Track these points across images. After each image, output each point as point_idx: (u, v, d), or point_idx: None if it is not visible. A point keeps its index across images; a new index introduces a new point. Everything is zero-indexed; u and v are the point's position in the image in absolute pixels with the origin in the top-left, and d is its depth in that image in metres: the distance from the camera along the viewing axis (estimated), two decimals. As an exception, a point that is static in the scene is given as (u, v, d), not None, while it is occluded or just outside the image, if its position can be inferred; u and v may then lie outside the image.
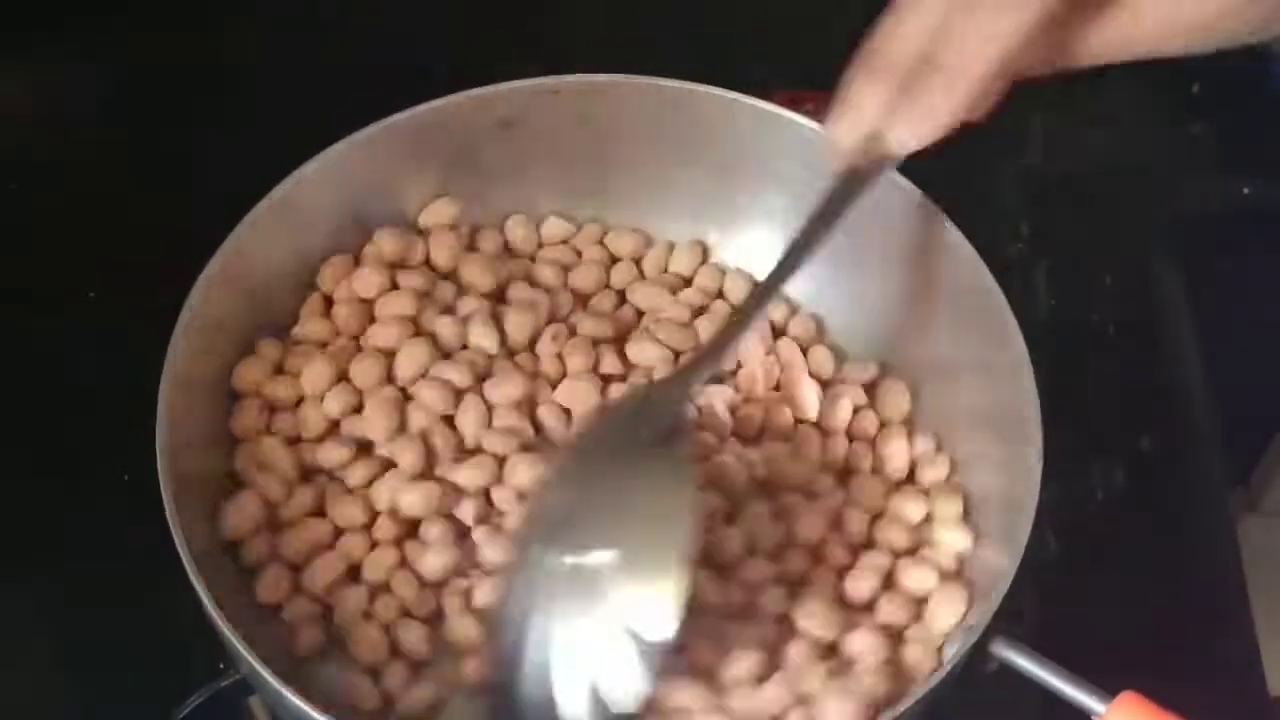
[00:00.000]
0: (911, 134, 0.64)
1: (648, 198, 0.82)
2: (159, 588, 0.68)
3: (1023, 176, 0.95)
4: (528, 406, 0.75)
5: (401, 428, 0.73)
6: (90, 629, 0.75)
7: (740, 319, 0.69)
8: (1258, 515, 1.07)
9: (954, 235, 0.74)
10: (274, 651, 0.67)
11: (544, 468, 0.70)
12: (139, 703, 0.71)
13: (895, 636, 0.69)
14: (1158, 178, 0.95)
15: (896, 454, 0.75)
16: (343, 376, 0.74)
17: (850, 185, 0.68)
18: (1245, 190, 0.94)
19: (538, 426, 0.74)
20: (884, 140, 0.65)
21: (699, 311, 0.80)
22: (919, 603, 0.70)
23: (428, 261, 0.78)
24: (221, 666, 0.69)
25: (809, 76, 0.91)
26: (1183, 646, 0.78)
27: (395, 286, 0.77)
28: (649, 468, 0.64)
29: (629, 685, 0.61)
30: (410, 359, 0.74)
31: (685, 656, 0.66)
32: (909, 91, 0.63)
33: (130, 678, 0.73)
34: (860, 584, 0.70)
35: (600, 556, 0.61)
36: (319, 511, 0.72)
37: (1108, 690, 0.64)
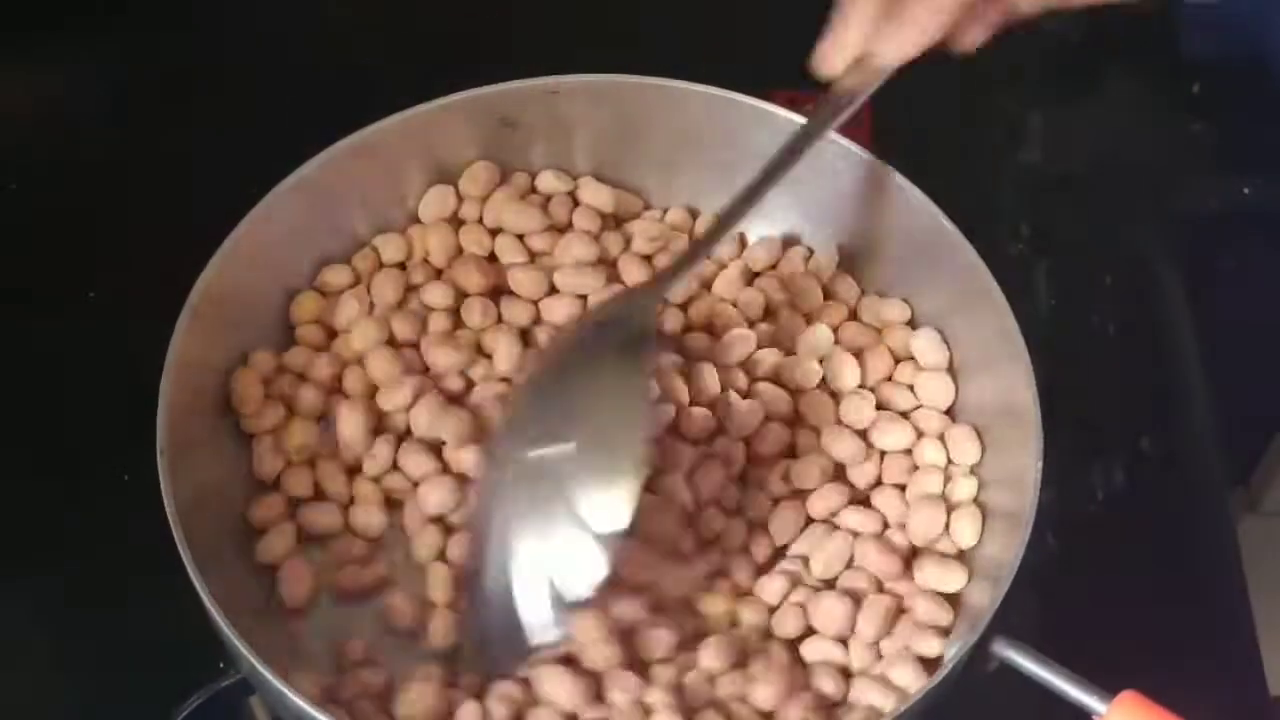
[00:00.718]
0: (897, 49, 0.70)
1: (647, 197, 0.82)
2: (159, 588, 0.68)
3: (1023, 176, 0.95)
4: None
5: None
6: (90, 629, 0.75)
7: (723, 223, 0.72)
8: (1258, 515, 1.07)
9: (953, 235, 0.74)
10: (274, 652, 0.67)
11: (520, 376, 0.73)
12: (139, 703, 0.71)
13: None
14: (1158, 178, 0.94)
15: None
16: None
17: (836, 106, 0.72)
18: (1245, 190, 0.94)
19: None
20: (871, 59, 0.71)
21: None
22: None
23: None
24: (221, 666, 0.69)
25: (809, 76, 0.91)
26: (1183, 646, 0.78)
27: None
28: (612, 372, 0.68)
29: (584, 575, 0.64)
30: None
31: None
32: (894, 9, 0.69)
33: (130, 678, 0.73)
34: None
35: (560, 450, 0.66)
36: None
37: (1108, 690, 0.64)
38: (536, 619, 0.66)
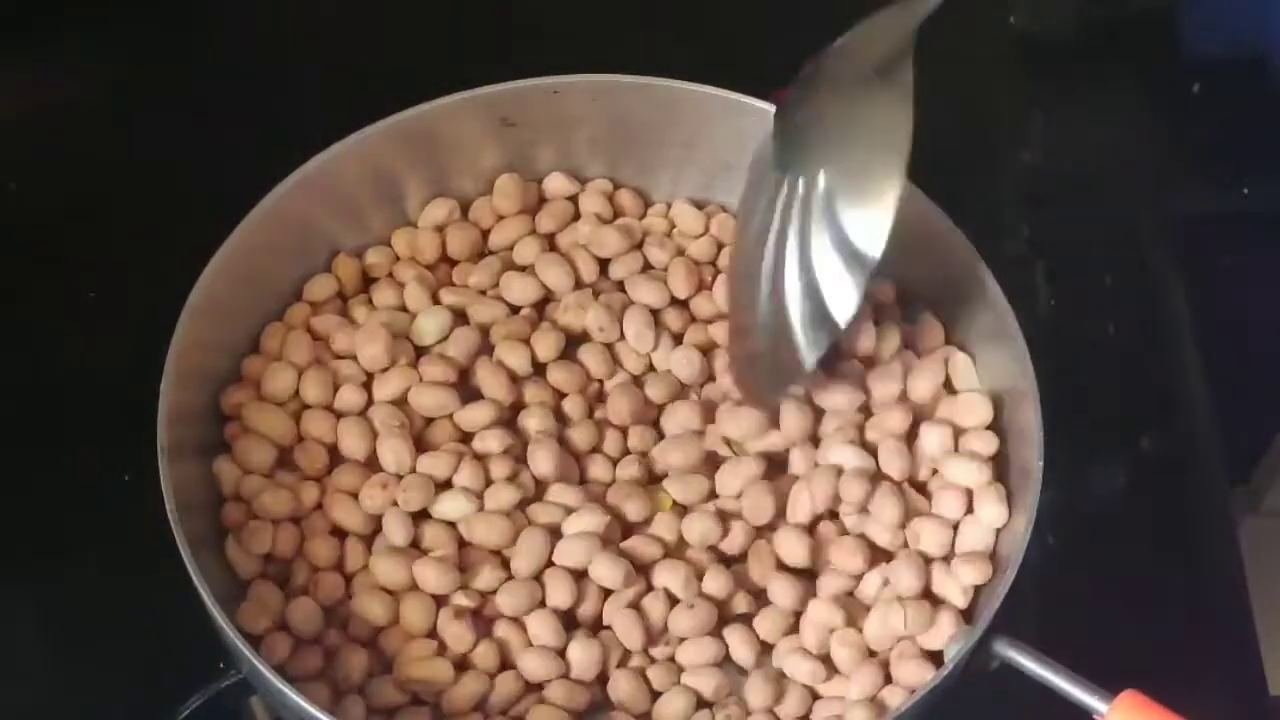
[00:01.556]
0: None
1: (647, 197, 0.82)
2: (159, 588, 0.68)
3: (1023, 176, 0.95)
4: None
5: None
6: (90, 629, 0.75)
7: None
8: (1258, 515, 1.07)
9: (953, 234, 0.74)
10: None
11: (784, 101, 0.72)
12: (139, 703, 0.71)
13: None
14: (1158, 178, 0.94)
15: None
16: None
17: None
18: (1245, 190, 0.94)
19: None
20: None
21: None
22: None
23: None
24: (221, 666, 0.69)
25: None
26: (1183, 646, 0.78)
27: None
28: (870, 97, 0.68)
29: (846, 296, 0.67)
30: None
31: None
32: None
33: (130, 678, 0.73)
34: None
35: (826, 177, 0.67)
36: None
37: (1108, 690, 0.64)
38: (806, 340, 0.68)
